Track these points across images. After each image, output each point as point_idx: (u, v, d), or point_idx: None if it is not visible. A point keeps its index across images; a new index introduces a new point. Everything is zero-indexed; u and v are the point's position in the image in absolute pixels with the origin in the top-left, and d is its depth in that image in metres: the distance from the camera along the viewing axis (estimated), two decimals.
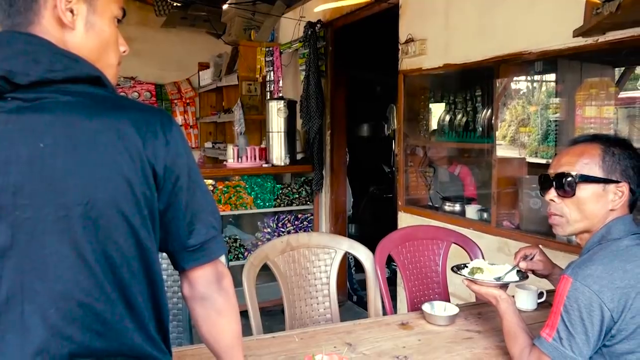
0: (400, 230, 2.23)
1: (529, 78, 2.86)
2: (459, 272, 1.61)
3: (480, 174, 3.12)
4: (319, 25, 4.04)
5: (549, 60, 2.49)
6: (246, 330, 1.82)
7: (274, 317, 3.37)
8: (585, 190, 1.30)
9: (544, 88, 2.87)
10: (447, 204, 3.01)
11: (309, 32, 4.00)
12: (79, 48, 0.85)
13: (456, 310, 1.73)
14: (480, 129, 2.91)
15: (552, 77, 2.78)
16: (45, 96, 0.79)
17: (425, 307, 1.74)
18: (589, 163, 1.29)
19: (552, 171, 1.37)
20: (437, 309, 1.75)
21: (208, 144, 6.19)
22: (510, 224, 2.59)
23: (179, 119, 6.55)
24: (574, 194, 1.31)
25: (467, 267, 1.64)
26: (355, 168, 5.01)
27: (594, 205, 1.29)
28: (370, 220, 5.19)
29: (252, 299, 1.85)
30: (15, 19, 0.83)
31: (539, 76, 2.85)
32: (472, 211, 2.83)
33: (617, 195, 1.27)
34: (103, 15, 0.89)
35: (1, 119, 0.78)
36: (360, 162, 5.12)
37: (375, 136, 5.59)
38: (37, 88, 0.78)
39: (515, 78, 2.77)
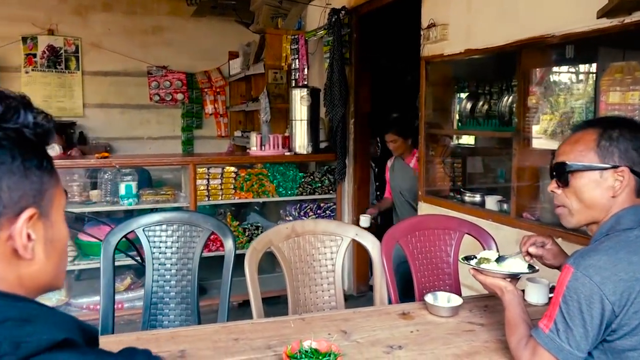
0: (410, 219, 2.17)
1: (571, 69, 2.69)
2: (466, 263, 1.56)
3: (502, 164, 3.01)
4: (343, 12, 3.98)
5: (585, 46, 2.35)
6: (249, 316, 1.83)
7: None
8: (581, 179, 1.24)
9: (586, 78, 2.70)
10: (467, 194, 2.92)
11: (333, 19, 3.95)
12: (39, 276, 0.70)
13: (459, 301, 1.67)
14: (515, 119, 2.77)
15: (586, 64, 2.63)
16: None
17: (428, 297, 1.69)
18: (584, 150, 1.24)
19: (553, 162, 1.31)
20: (440, 299, 1.70)
21: (237, 133, 6.25)
22: (530, 216, 2.49)
23: (209, 108, 6.63)
24: (570, 184, 1.26)
25: (477, 258, 1.58)
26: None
27: (592, 193, 1.23)
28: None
29: (254, 283, 1.84)
30: None
31: (584, 66, 2.67)
32: (492, 202, 2.74)
33: (618, 180, 1.20)
34: (59, 221, 0.74)
35: None
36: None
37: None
38: None
39: (554, 68, 2.62)
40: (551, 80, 2.67)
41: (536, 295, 1.74)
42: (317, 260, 2.01)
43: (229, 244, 2.07)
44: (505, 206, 2.66)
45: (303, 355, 1.25)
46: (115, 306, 3.56)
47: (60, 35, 5.83)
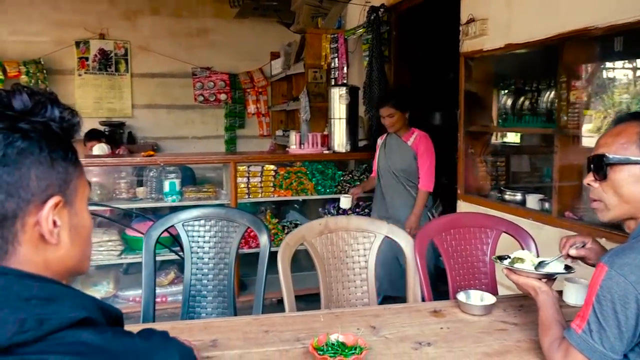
0: (445, 217, 2.14)
1: (627, 64, 2.56)
2: (499, 262, 1.54)
3: (548, 163, 2.92)
4: (382, 10, 3.96)
5: (636, 38, 2.24)
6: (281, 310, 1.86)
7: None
8: (620, 173, 1.19)
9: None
10: (508, 193, 2.86)
11: (372, 17, 3.94)
12: (65, 260, 0.75)
13: (492, 300, 1.64)
14: (563, 116, 2.68)
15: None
16: (20, 359, 0.62)
17: (460, 295, 1.67)
18: (626, 143, 1.19)
19: (592, 154, 1.27)
20: (473, 298, 1.68)
21: (279, 132, 6.34)
22: (572, 215, 2.41)
23: (252, 108, 6.75)
24: (608, 177, 1.21)
25: (510, 257, 1.55)
26: None
27: (631, 188, 1.18)
28: (441, 211, 5.03)
29: (287, 278, 1.87)
30: None
31: None
32: (533, 201, 2.67)
33: None
34: (83, 210, 0.78)
35: None
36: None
37: (447, 125, 5.40)
38: (4, 355, 0.62)
39: (608, 64, 2.52)
40: (604, 76, 2.56)
41: (574, 295, 1.69)
42: (350, 256, 2.02)
43: (264, 239, 2.11)
44: (546, 205, 2.58)
45: (329, 348, 1.26)
46: (159, 299, 3.73)
47: (111, 39, 6.10)
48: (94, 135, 4.39)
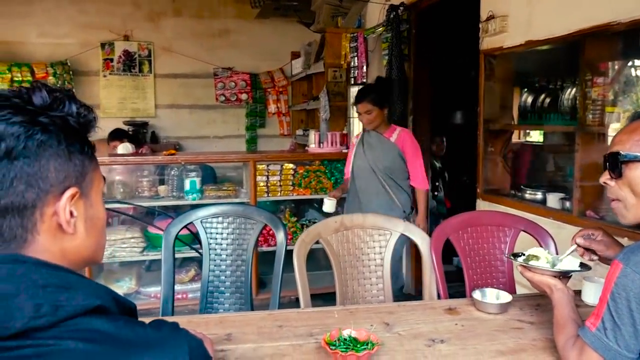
0: (462, 214, 2.13)
1: None
2: (514, 259, 1.53)
3: (570, 161, 2.87)
4: (401, 8, 3.95)
5: None
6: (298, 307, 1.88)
7: None
8: (636, 170, 1.17)
9: None
10: (528, 191, 2.82)
11: (391, 16, 3.93)
12: (80, 250, 0.78)
13: (508, 298, 1.63)
14: (590, 115, 2.62)
15: None
16: (36, 343, 0.64)
17: (475, 293, 1.66)
18: None
19: (607, 152, 1.25)
20: (489, 296, 1.67)
21: (299, 131, 6.37)
22: (594, 214, 2.36)
23: (272, 107, 6.80)
24: (624, 175, 1.19)
25: (525, 255, 1.54)
26: (447, 156, 4.86)
27: None
28: (461, 211, 4.99)
29: (302, 275, 1.89)
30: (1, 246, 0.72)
31: None
32: (553, 200, 2.63)
33: None
34: (98, 202, 0.81)
35: None
36: (453, 151, 4.95)
37: (468, 123, 5.35)
38: (20, 339, 0.64)
39: (637, 62, 2.46)
40: (632, 74, 2.50)
41: (593, 295, 1.66)
42: (365, 254, 2.02)
43: (280, 236, 2.14)
44: (567, 204, 2.54)
45: (341, 343, 1.27)
46: (180, 296, 3.79)
47: (135, 41, 6.21)
48: (117, 135, 4.48)
